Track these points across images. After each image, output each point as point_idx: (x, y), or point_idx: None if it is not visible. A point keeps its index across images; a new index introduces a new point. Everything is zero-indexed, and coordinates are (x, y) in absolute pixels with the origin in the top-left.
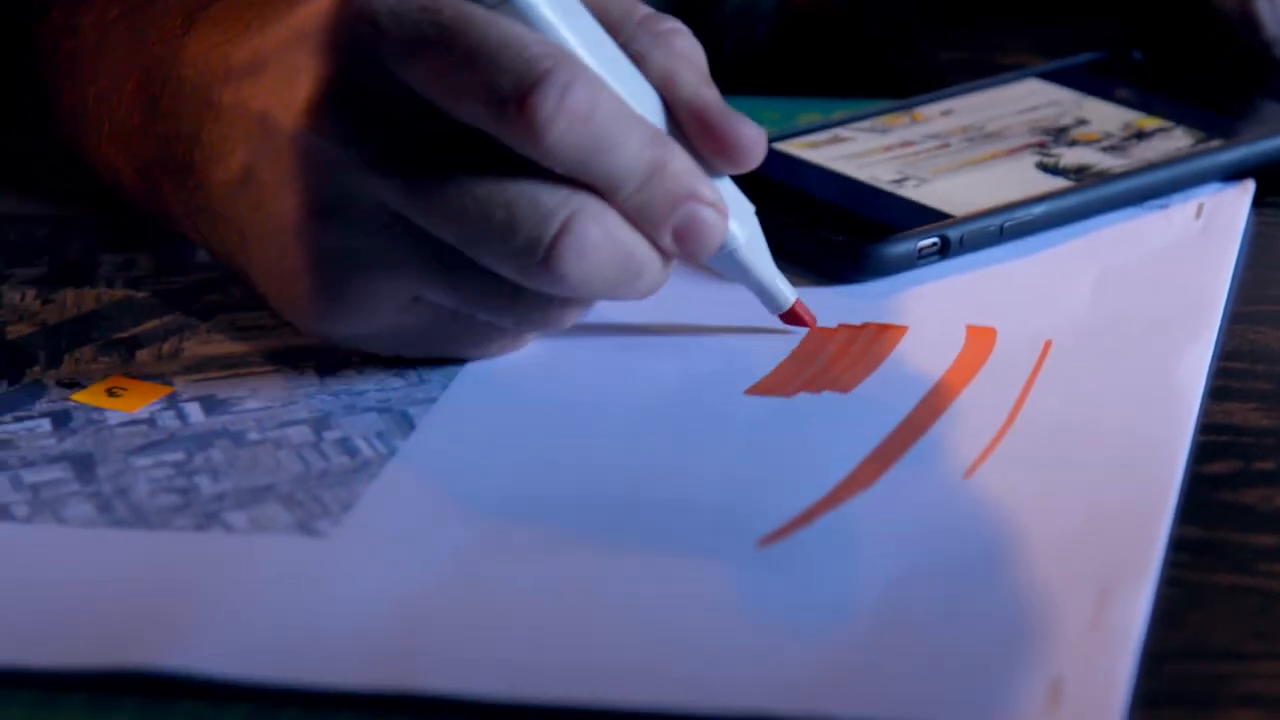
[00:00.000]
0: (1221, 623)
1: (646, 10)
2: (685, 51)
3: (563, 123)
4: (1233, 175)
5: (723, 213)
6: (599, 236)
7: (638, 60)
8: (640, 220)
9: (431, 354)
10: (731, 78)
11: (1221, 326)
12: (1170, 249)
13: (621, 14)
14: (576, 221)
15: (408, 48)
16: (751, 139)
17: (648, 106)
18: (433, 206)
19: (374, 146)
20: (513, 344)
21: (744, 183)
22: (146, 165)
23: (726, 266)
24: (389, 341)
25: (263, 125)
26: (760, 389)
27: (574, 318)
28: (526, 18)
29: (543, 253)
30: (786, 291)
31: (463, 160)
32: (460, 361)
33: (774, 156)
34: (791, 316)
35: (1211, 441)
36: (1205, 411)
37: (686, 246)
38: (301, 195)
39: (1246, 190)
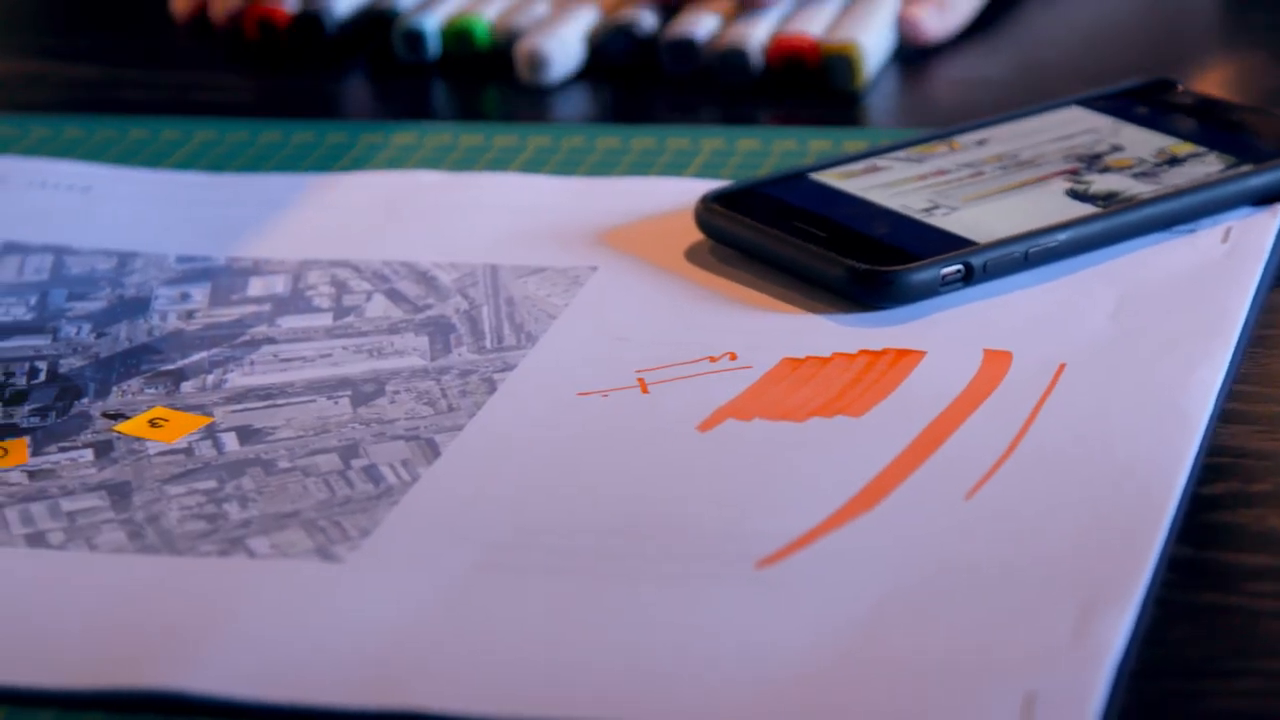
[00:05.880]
0: (1202, 641)
1: None
2: None
3: None
4: (1263, 200)
5: None
6: None
7: None
8: None
9: None
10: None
11: (1238, 350)
12: (1193, 273)
13: None
14: None
15: None
16: None
17: None
18: None
19: None
20: None
21: (778, 211)
22: None
23: None
24: None
25: None
26: (774, 413)
27: None
28: None
29: None
30: None
31: None
32: (490, 392)
33: (808, 185)
34: None
35: (1213, 464)
36: (1211, 434)
37: None
38: None
39: (1276, 215)
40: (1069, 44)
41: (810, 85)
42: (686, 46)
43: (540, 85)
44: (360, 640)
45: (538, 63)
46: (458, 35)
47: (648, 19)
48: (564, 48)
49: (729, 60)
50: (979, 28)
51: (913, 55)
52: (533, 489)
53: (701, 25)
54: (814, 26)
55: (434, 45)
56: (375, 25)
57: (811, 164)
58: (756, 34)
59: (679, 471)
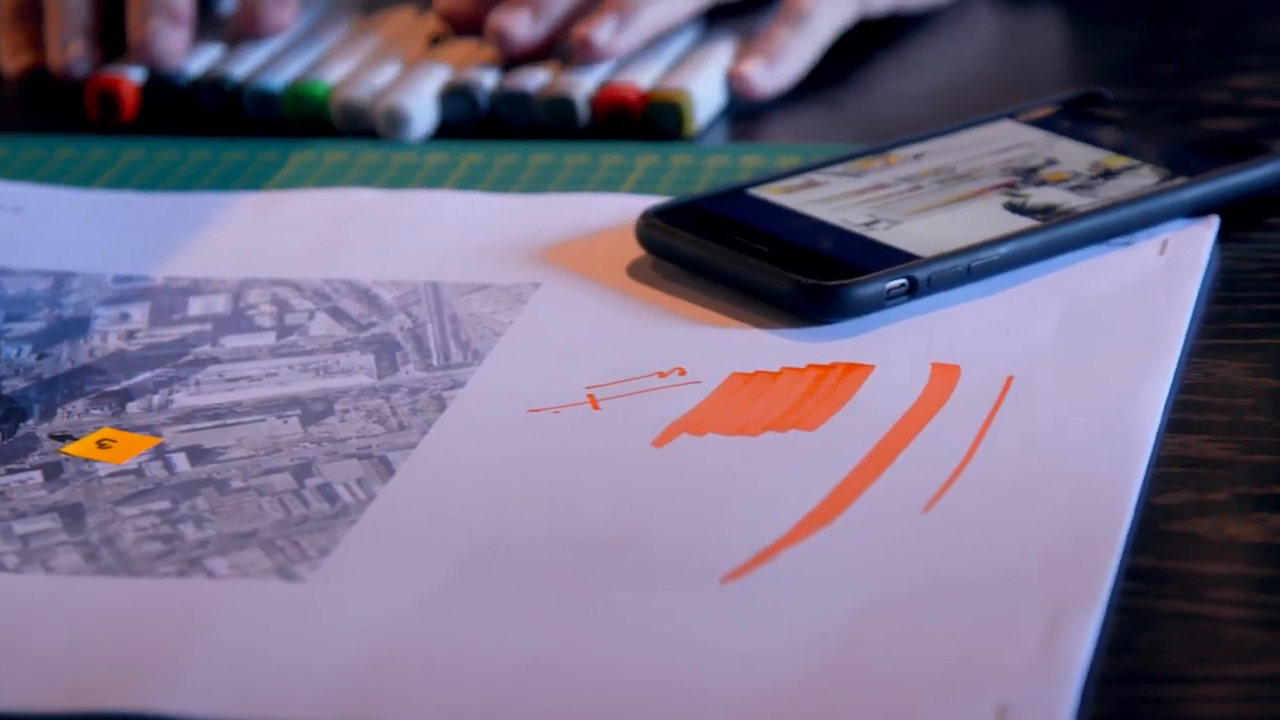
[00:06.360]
0: (1168, 648)
1: None
2: None
3: None
4: (1198, 211)
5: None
6: None
7: None
8: None
9: None
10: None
11: (1182, 360)
12: (1134, 285)
13: None
14: None
15: None
16: None
17: None
18: None
19: None
20: None
21: (719, 226)
22: None
23: None
24: None
25: None
26: (727, 428)
27: None
28: None
29: None
30: None
31: None
32: (440, 410)
33: (747, 200)
34: None
35: (1166, 473)
36: (1162, 444)
37: None
38: None
39: (1210, 226)
40: (919, 94)
41: (634, 136)
42: (520, 99)
43: (399, 143)
44: (331, 658)
45: (396, 120)
46: (298, 99)
47: (489, 78)
48: (423, 105)
49: (556, 109)
50: (822, 81)
51: (747, 110)
52: (490, 506)
53: (534, 77)
54: (643, 78)
55: (280, 106)
56: (216, 90)
57: (749, 179)
58: (584, 84)
59: (637, 487)
